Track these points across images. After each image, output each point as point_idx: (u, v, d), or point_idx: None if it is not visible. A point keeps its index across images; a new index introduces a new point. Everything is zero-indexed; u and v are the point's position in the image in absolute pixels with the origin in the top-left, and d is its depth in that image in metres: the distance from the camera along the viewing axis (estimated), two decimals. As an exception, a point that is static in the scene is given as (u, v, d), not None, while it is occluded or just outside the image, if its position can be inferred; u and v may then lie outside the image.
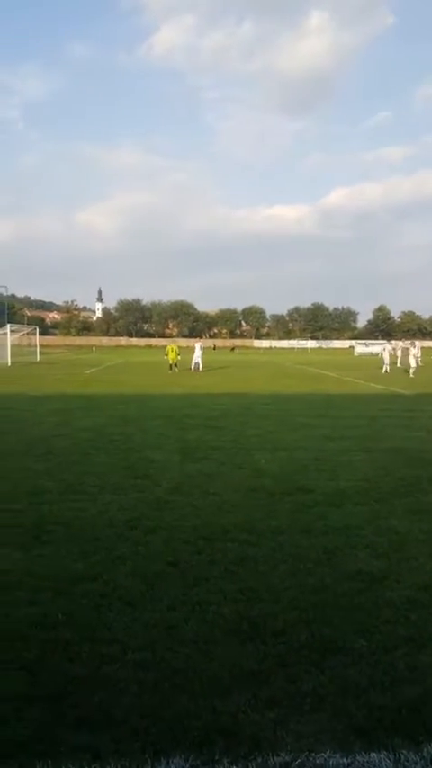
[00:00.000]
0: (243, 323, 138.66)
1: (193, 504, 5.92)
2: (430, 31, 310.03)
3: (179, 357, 30.09)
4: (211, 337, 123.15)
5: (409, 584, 4.02)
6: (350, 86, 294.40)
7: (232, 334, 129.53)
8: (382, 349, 33.65)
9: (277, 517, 5.50)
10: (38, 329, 53.69)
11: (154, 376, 27.41)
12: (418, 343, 29.73)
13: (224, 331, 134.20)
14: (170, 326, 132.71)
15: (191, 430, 10.74)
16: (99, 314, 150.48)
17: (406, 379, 25.45)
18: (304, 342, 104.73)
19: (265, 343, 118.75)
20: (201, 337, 75.45)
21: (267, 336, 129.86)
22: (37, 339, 49.65)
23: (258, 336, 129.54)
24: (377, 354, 36.39)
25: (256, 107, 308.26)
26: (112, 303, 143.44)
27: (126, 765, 2.31)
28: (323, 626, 3.41)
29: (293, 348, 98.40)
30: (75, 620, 3.46)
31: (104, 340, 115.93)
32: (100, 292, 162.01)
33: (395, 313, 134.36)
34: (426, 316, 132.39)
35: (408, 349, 30.65)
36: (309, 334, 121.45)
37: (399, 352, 35.58)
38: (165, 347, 33.99)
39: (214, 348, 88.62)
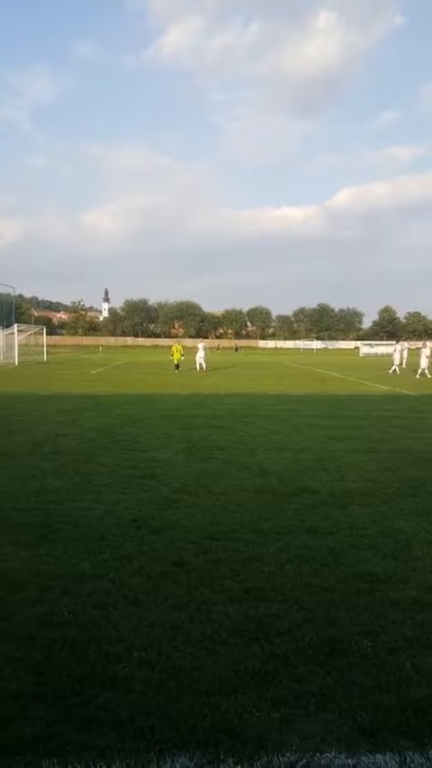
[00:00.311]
0: (249, 323, 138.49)
1: (198, 503, 5.93)
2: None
3: (183, 357, 30.43)
4: (216, 338, 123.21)
5: (415, 584, 4.02)
6: (358, 87, 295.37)
7: (238, 335, 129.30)
8: (393, 350, 33.52)
9: (283, 517, 5.50)
10: (45, 329, 53.84)
11: (160, 376, 27.49)
12: (429, 344, 29.50)
13: (230, 331, 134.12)
14: (176, 327, 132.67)
15: (196, 430, 10.75)
16: (106, 314, 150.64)
17: (413, 380, 25.36)
18: (310, 342, 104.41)
19: (270, 344, 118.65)
20: (206, 337, 75.38)
21: (273, 337, 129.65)
22: (44, 339, 49.84)
23: (264, 337, 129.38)
24: (389, 355, 36.19)
25: (264, 108, 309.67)
26: (118, 303, 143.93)
27: (131, 764, 2.32)
28: (329, 626, 3.41)
29: (299, 349, 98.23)
30: (81, 619, 3.48)
31: (111, 340, 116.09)
32: (106, 293, 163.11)
33: (401, 314, 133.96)
34: (431, 317, 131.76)
35: (420, 350, 30.44)
36: (314, 335, 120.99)
37: (405, 353, 35.40)
38: (170, 347, 34.15)
39: (218, 348, 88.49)
